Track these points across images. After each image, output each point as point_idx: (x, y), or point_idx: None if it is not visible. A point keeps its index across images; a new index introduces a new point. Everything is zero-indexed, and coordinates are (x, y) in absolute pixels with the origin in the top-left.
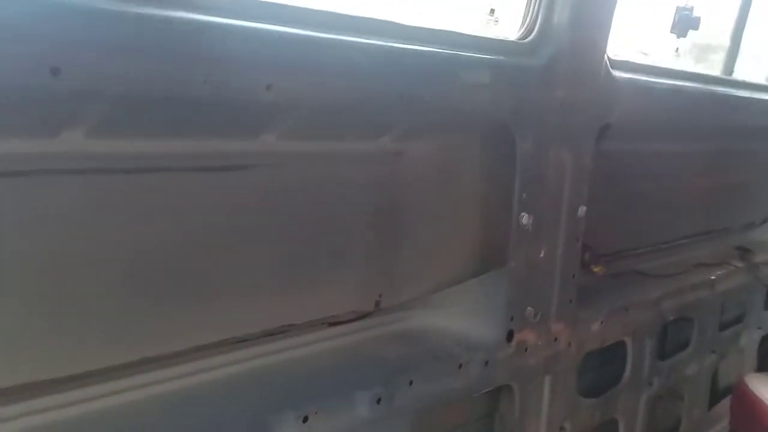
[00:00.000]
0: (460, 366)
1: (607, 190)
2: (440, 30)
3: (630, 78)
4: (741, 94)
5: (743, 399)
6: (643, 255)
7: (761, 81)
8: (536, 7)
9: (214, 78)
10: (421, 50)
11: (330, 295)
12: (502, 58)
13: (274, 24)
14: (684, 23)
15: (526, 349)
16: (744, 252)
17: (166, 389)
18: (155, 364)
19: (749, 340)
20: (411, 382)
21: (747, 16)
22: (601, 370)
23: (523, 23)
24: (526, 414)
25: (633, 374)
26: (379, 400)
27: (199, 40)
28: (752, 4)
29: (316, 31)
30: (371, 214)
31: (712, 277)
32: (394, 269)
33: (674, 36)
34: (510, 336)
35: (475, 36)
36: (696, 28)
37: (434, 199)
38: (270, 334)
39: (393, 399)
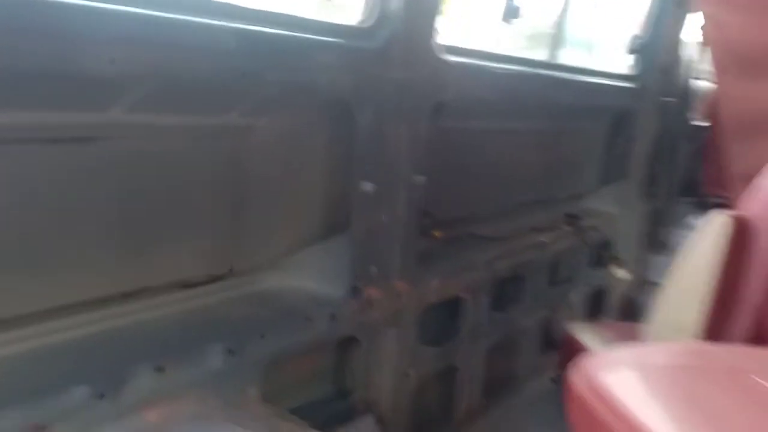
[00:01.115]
0: (309, 320)
1: (446, 163)
2: (286, 14)
3: (461, 61)
4: (563, 77)
5: (568, 346)
6: (480, 221)
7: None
8: None
9: (59, 51)
10: (266, 32)
11: (185, 259)
12: (342, 41)
13: (118, 4)
14: (509, 12)
15: (370, 305)
16: (572, 218)
17: (28, 346)
18: (15, 323)
19: (577, 295)
20: (262, 336)
21: (568, 7)
22: (442, 322)
23: (364, 10)
24: (373, 363)
25: (470, 326)
26: (230, 351)
27: (45, 15)
28: None
29: (159, 11)
30: (223, 183)
31: (543, 240)
32: (246, 236)
33: (509, 24)
34: (354, 292)
35: (317, 20)
36: (516, 17)
37: (283, 170)
38: (127, 296)
39: (244, 350)
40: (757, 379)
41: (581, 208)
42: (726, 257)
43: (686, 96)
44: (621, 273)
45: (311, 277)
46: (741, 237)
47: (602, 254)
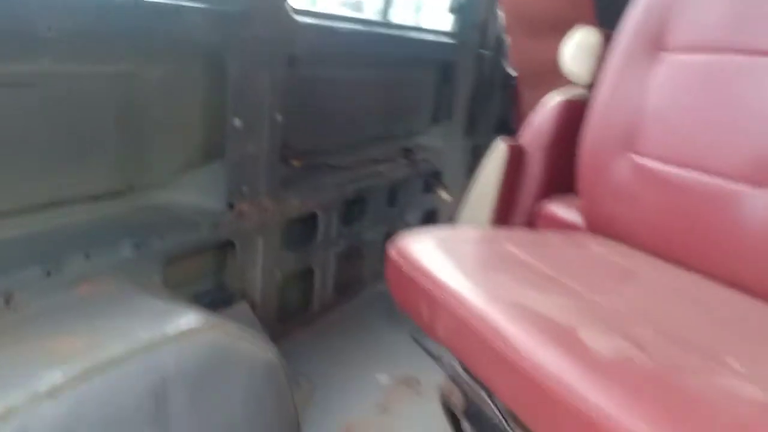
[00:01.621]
0: (196, 225)
1: (303, 105)
2: None
3: (309, 22)
4: (395, 33)
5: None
6: (331, 153)
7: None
8: None
9: None
10: (154, 1)
11: (96, 178)
12: (212, 6)
13: None
14: None
15: (243, 216)
16: (407, 152)
17: None
18: None
19: (412, 214)
20: (161, 236)
21: None
22: (301, 233)
23: None
24: (247, 262)
25: (323, 237)
26: (137, 245)
27: None
28: None
29: None
30: (124, 119)
31: (382, 169)
32: (143, 160)
33: None
34: (230, 206)
35: None
36: None
37: (172, 109)
38: (53, 203)
39: (148, 246)
40: (510, 247)
41: (415, 144)
42: (505, 174)
43: (500, 49)
44: (446, 196)
45: (196, 194)
46: (515, 159)
47: (432, 181)
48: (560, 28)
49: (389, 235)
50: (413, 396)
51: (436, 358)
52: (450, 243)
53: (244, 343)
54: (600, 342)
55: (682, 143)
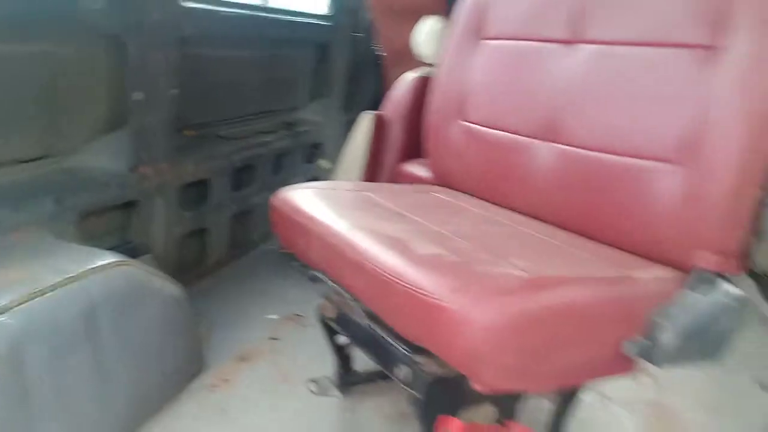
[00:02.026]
0: (106, 185)
1: (196, 81)
2: None
3: (197, 6)
4: (276, 17)
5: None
6: (221, 125)
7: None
8: None
9: None
10: None
11: (16, 145)
12: None
13: None
14: None
15: (145, 179)
16: (289, 125)
17: None
18: None
19: (296, 181)
20: (75, 193)
21: None
22: (197, 196)
23: None
24: (149, 220)
25: (215, 200)
26: (58, 200)
27: None
28: None
29: None
30: (45, 95)
31: (267, 140)
32: (58, 129)
33: None
34: (134, 169)
35: None
36: None
37: (82, 83)
38: None
39: (66, 202)
40: (371, 194)
41: (296, 118)
42: (371, 140)
43: (370, 31)
44: (326, 165)
45: (105, 158)
46: (379, 128)
47: (313, 152)
48: (419, 15)
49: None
50: (299, 327)
51: (313, 279)
52: (323, 192)
53: (156, 278)
54: (424, 249)
55: (494, 110)
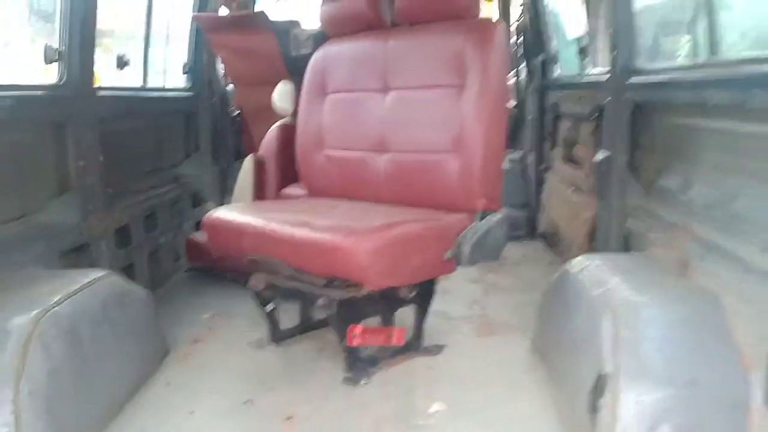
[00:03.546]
0: (70, 232)
1: (110, 148)
2: None
3: (107, 94)
4: (154, 95)
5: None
6: (131, 182)
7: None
8: None
9: None
10: None
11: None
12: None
13: None
14: (120, 64)
15: (92, 226)
16: (175, 178)
17: None
18: None
19: (188, 225)
20: (54, 240)
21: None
22: (124, 238)
23: None
24: (98, 258)
25: (136, 241)
26: (45, 245)
27: None
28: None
29: None
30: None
31: (162, 191)
32: (29, 193)
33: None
34: (84, 219)
35: None
36: (126, 66)
37: (41, 158)
38: None
39: (50, 244)
40: (271, 206)
41: (179, 172)
42: (255, 176)
43: (225, 97)
44: (211, 205)
45: (63, 213)
46: (260, 166)
47: (197, 197)
48: (270, 81)
49: (174, 239)
50: (225, 317)
51: (252, 262)
52: (241, 207)
53: (131, 285)
54: (321, 222)
55: (344, 140)
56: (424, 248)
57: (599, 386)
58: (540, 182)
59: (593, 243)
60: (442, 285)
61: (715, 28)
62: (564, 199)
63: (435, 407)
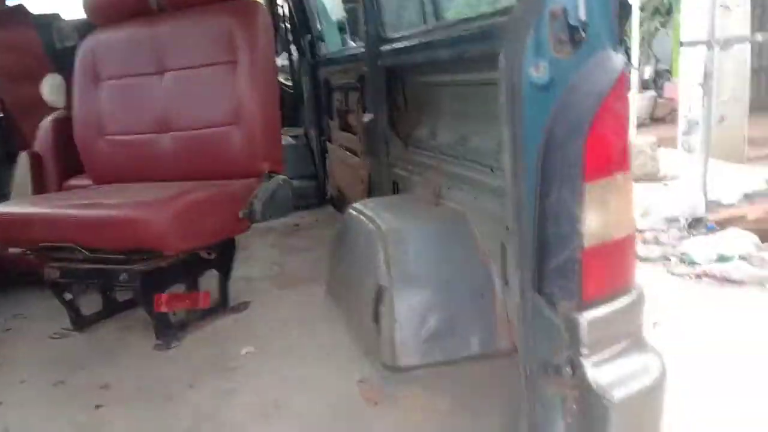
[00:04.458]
0: None
1: None
2: None
3: None
4: None
5: None
6: None
7: None
8: None
9: None
10: None
11: None
12: None
13: None
14: None
15: None
16: None
17: None
18: None
19: None
20: None
21: None
22: None
23: None
24: None
25: None
26: None
27: None
28: None
29: None
30: None
31: None
32: None
33: None
34: None
35: None
36: None
37: None
38: None
39: None
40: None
41: None
42: (32, 172)
43: None
44: None
45: None
46: (36, 161)
47: None
48: (35, 76)
49: None
50: (29, 319)
51: (42, 249)
52: (24, 200)
53: None
54: (111, 200)
55: (125, 124)
56: (217, 211)
57: (378, 296)
58: (323, 153)
59: (370, 196)
60: (245, 253)
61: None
62: (344, 164)
63: (246, 350)
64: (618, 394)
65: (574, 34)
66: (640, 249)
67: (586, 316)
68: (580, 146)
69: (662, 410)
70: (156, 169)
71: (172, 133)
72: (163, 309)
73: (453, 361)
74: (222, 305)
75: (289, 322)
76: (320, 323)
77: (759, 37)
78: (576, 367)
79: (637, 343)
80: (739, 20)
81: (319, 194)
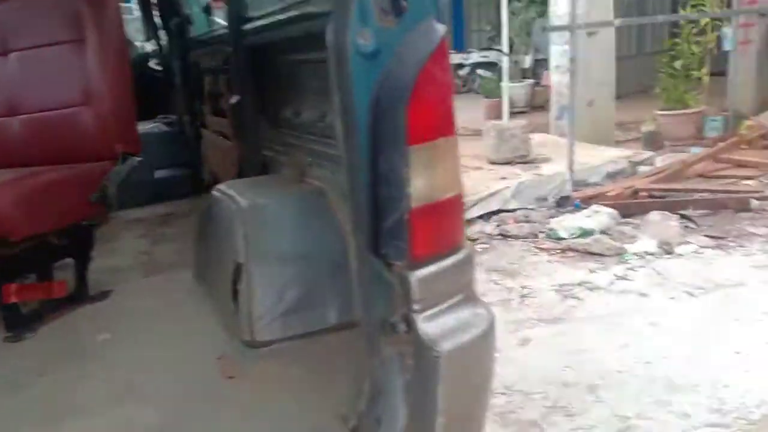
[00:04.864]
0: None
1: None
2: None
3: None
4: None
5: None
6: None
7: None
8: None
9: None
10: None
11: None
12: None
13: None
14: None
15: None
16: None
17: None
18: None
19: None
20: None
21: None
22: None
23: None
24: None
25: None
26: None
27: None
28: None
29: None
30: None
31: None
32: None
33: None
34: None
35: None
36: None
37: None
38: None
39: None
40: None
41: None
42: None
43: None
44: None
45: None
46: None
47: None
48: None
49: None
50: None
51: None
52: None
53: None
54: None
55: None
56: (66, 193)
57: (236, 274)
58: (198, 139)
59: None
60: (111, 244)
61: None
62: (217, 149)
63: (102, 337)
64: (446, 345)
65: (396, 4)
66: (512, 228)
67: (417, 275)
68: (404, 111)
69: (492, 360)
70: (5, 155)
71: (20, 117)
72: (13, 299)
73: (311, 333)
74: (81, 294)
75: (154, 308)
76: (186, 306)
77: (617, 22)
78: (410, 324)
79: (468, 299)
80: (604, 8)
81: (194, 182)
